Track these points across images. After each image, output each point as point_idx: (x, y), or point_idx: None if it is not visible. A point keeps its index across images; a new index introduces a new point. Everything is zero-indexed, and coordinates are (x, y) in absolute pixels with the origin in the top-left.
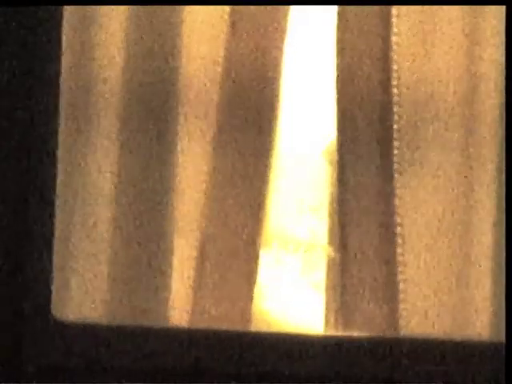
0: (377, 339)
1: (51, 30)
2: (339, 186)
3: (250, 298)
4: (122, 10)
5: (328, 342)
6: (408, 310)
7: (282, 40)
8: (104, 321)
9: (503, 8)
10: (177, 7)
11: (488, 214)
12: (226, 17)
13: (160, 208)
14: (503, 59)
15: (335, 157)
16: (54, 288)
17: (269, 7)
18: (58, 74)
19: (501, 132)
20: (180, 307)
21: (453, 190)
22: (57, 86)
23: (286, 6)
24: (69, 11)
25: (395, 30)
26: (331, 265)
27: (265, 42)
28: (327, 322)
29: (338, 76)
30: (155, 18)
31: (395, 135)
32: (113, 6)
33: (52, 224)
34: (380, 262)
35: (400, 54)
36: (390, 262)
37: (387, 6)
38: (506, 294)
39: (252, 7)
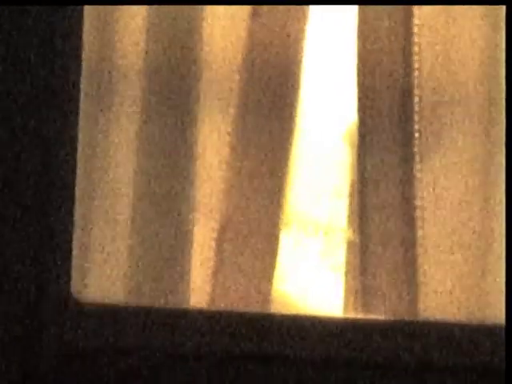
0: (396, 322)
1: (72, 17)
2: (359, 168)
3: (269, 280)
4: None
5: (347, 324)
6: (427, 293)
7: (303, 24)
8: (124, 302)
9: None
10: None
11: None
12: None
13: (180, 190)
14: None
15: (356, 139)
16: (74, 269)
17: None
18: (79, 64)
19: None
20: (200, 289)
21: (473, 173)
22: (78, 74)
23: None
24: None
25: (417, 12)
26: (351, 247)
27: (286, 26)
28: (346, 304)
29: (359, 58)
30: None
31: (416, 118)
32: None
33: (72, 205)
34: (400, 245)
35: (421, 37)
36: (409, 245)
37: None
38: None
39: None
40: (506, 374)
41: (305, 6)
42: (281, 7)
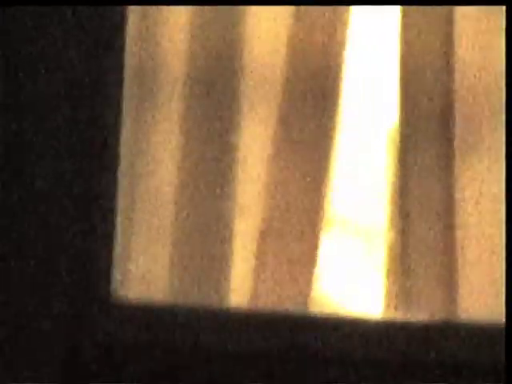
0: (437, 324)
1: (115, 18)
2: (400, 171)
3: (310, 281)
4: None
5: (388, 326)
6: (467, 295)
7: (345, 26)
8: (164, 301)
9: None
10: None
11: None
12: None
13: (221, 190)
14: None
15: (397, 142)
16: (114, 267)
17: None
18: (121, 66)
19: None
20: (241, 289)
21: None
22: (121, 75)
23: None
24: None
25: (458, 15)
26: (391, 250)
27: (329, 28)
28: (387, 306)
29: (401, 60)
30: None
31: (457, 120)
32: None
33: (115, 204)
34: (440, 247)
35: (463, 38)
36: (450, 247)
37: None
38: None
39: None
40: (506, 373)
41: (347, 8)
42: (323, 8)
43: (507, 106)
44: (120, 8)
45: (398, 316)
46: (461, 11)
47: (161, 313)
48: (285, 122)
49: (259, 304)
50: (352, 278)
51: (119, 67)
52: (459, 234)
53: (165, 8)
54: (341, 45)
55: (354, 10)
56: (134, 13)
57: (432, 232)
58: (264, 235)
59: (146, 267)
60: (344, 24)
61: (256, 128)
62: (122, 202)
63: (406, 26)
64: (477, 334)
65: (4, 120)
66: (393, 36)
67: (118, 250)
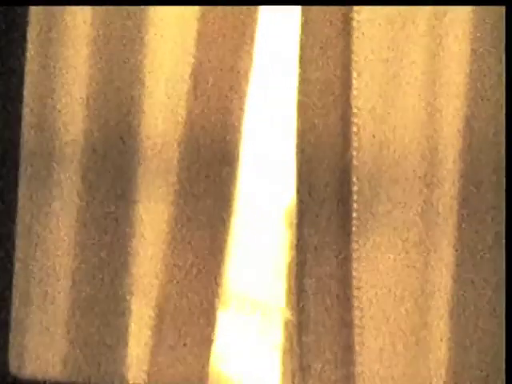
0: None
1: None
2: (297, 248)
3: (207, 358)
4: (81, 55)
5: None
6: (364, 374)
7: (242, 102)
8: (61, 378)
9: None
10: (139, 66)
11: (447, 274)
12: (187, 77)
13: (118, 266)
14: (463, 123)
15: (294, 219)
16: (11, 345)
17: (233, 64)
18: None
19: (460, 192)
20: (137, 366)
21: (411, 252)
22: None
23: (248, 68)
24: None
25: (355, 92)
26: (288, 327)
27: (226, 103)
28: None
29: (298, 137)
30: (117, 71)
31: (354, 197)
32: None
33: (10, 278)
34: (337, 325)
35: (360, 116)
36: (347, 326)
37: (346, 70)
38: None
39: (214, 64)
40: (505, 374)
41: (245, 80)
42: (220, 82)
43: (507, 108)
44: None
45: None
46: (358, 89)
47: None
48: (181, 198)
49: (156, 381)
50: (249, 356)
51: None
52: (356, 312)
53: (61, 80)
54: (238, 123)
55: (252, 83)
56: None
57: (329, 310)
58: (160, 313)
59: (42, 344)
60: (241, 103)
61: (153, 207)
62: (17, 275)
63: (303, 104)
64: None
65: None
66: (290, 113)
67: (13, 324)
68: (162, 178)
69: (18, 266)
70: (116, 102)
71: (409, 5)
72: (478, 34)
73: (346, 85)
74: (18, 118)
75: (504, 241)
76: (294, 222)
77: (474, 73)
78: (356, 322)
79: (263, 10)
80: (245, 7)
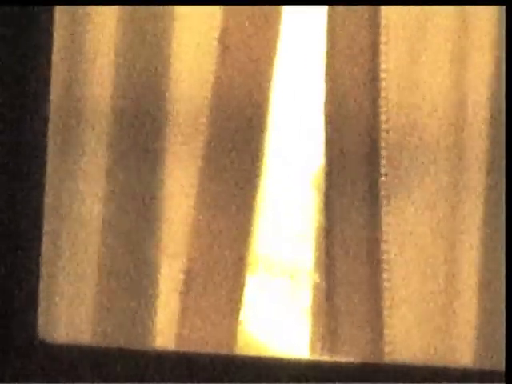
0: (362, 365)
1: (41, 59)
2: (325, 212)
3: (235, 321)
4: (107, 39)
5: (313, 366)
6: (393, 336)
7: (271, 65)
8: (90, 343)
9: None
10: (167, 32)
11: (474, 241)
12: (215, 43)
13: (146, 232)
14: (492, 88)
15: (322, 183)
16: (40, 310)
17: (261, 33)
18: (47, 98)
19: (487, 159)
20: (166, 330)
21: (439, 217)
22: (47, 107)
23: (276, 32)
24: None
25: (383, 57)
26: (317, 290)
27: (255, 69)
28: (312, 347)
29: (326, 103)
30: (145, 38)
31: (382, 162)
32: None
33: (39, 248)
34: (365, 288)
35: (388, 81)
36: (375, 289)
37: (375, 36)
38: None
39: (242, 32)
40: (505, 373)
41: (273, 46)
42: (249, 44)
43: (507, 109)
44: (44, 51)
45: (324, 357)
46: (385, 53)
47: (86, 354)
48: (210, 160)
49: (185, 345)
50: (278, 319)
51: (44, 109)
52: (384, 275)
53: (88, 51)
54: (266, 86)
55: (280, 49)
56: (57, 52)
57: (357, 274)
58: (189, 277)
59: (71, 309)
60: (270, 66)
61: (180, 171)
62: (46, 245)
63: (331, 69)
64: (403, 375)
65: None
66: (318, 79)
67: (43, 292)
68: (190, 144)
69: (46, 231)
70: (144, 66)
71: (407, 5)
72: None
73: (374, 50)
74: (46, 85)
75: None
76: (323, 186)
77: (500, 43)
78: (384, 284)
79: None
80: None
